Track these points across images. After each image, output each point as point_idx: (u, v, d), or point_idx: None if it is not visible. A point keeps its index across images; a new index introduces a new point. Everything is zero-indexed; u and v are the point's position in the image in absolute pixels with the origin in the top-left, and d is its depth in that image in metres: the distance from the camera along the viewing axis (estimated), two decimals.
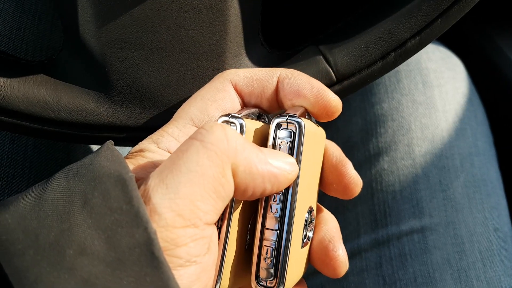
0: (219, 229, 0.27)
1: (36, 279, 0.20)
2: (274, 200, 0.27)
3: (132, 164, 0.27)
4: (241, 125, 0.27)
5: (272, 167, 0.25)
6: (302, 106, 0.30)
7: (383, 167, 0.51)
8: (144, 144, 0.28)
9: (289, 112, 0.28)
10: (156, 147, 0.28)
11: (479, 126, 0.54)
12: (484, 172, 0.50)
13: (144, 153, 0.28)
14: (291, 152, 0.27)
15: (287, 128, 0.27)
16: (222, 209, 0.24)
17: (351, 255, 0.49)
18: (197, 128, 0.29)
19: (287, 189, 0.27)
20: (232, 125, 0.27)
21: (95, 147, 0.49)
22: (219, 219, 0.26)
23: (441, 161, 0.50)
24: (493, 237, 0.47)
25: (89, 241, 0.21)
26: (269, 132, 0.27)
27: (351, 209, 0.52)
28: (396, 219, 0.48)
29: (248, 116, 0.29)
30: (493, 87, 0.63)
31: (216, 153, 0.23)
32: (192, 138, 0.24)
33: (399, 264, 0.46)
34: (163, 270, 0.21)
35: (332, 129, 0.57)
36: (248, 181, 0.24)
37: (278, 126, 0.27)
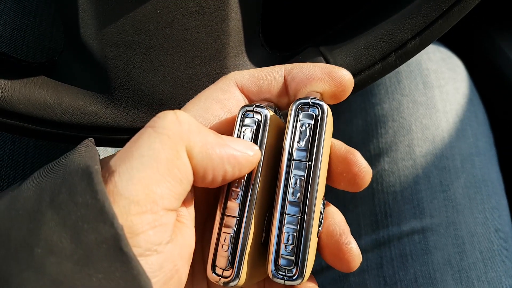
0: (239, 220, 0.26)
1: (7, 279, 0.20)
2: (296, 184, 0.26)
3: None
4: (266, 116, 0.27)
5: (231, 149, 0.25)
6: (317, 92, 0.29)
7: (383, 168, 0.51)
8: None
9: (309, 95, 0.28)
10: None
11: (479, 126, 0.54)
12: (484, 172, 0.50)
13: None
14: (313, 136, 0.27)
15: (308, 111, 0.27)
16: (182, 194, 0.24)
17: None
18: None
19: (308, 175, 0.26)
20: (256, 114, 0.27)
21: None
22: (239, 211, 0.26)
23: (442, 161, 0.50)
24: (494, 237, 0.47)
25: (56, 239, 0.21)
26: (290, 113, 0.27)
27: (352, 209, 0.52)
28: (397, 219, 0.48)
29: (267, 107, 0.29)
30: (494, 88, 0.63)
31: (168, 136, 0.23)
32: (145, 126, 0.24)
33: (400, 264, 0.46)
34: (132, 265, 0.21)
35: (333, 130, 0.57)
36: (205, 163, 0.24)
37: (300, 108, 0.27)
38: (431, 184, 0.49)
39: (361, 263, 0.49)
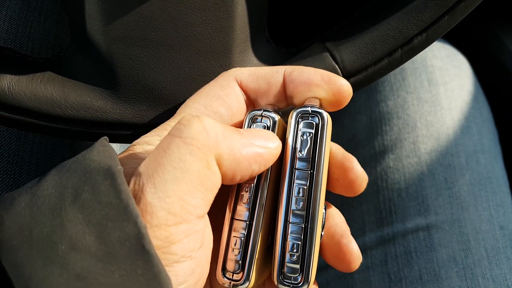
0: (249, 224, 0.26)
1: (30, 275, 0.21)
2: (298, 194, 0.27)
3: (131, 157, 0.27)
4: (274, 120, 0.27)
5: (256, 147, 0.25)
6: (316, 98, 0.29)
7: (388, 165, 0.51)
8: (147, 137, 0.29)
9: (308, 103, 0.28)
10: (158, 140, 0.28)
11: (484, 123, 0.54)
12: (489, 169, 0.50)
13: (145, 146, 0.28)
14: (314, 145, 0.27)
15: (309, 120, 0.27)
16: (212, 200, 0.24)
17: None
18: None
19: (311, 184, 0.27)
20: (265, 120, 0.27)
21: None
22: (249, 215, 0.27)
23: (447, 158, 0.50)
24: (499, 234, 0.47)
25: (80, 236, 0.21)
26: (290, 123, 0.27)
27: (357, 206, 0.52)
28: (402, 216, 0.48)
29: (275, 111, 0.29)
30: (499, 85, 0.63)
31: (198, 147, 0.23)
32: (171, 135, 0.24)
33: (405, 261, 0.46)
34: (153, 263, 0.21)
35: (337, 127, 0.57)
36: (234, 168, 0.25)
37: (300, 117, 0.27)
38: (436, 181, 0.49)
39: (366, 260, 0.49)
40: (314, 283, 0.31)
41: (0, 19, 0.46)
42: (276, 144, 0.26)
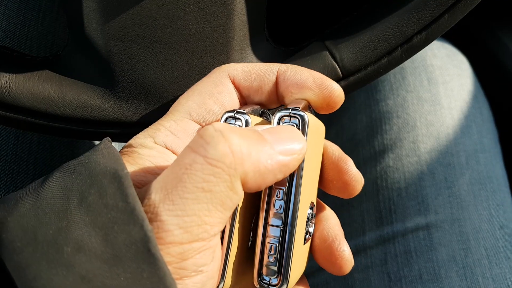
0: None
1: (35, 276, 0.21)
2: (278, 196, 0.27)
3: (129, 163, 0.26)
4: (247, 121, 0.27)
5: (281, 156, 0.24)
6: (304, 99, 0.29)
7: (388, 164, 0.51)
8: (139, 138, 0.28)
9: (291, 105, 0.27)
10: (152, 142, 0.28)
11: (484, 123, 0.54)
12: (489, 169, 0.50)
13: (140, 149, 0.27)
14: None
15: (290, 122, 0.27)
16: (228, 217, 0.24)
17: (356, 252, 0.49)
18: (194, 123, 0.29)
19: (290, 186, 0.26)
20: (237, 121, 0.27)
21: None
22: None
23: (447, 158, 0.49)
24: (499, 234, 0.46)
25: (86, 239, 0.21)
26: (272, 124, 0.27)
27: (356, 206, 0.51)
28: (402, 216, 0.48)
29: (252, 112, 0.29)
30: (498, 84, 0.63)
31: (223, 169, 0.22)
32: (194, 151, 0.23)
33: (404, 261, 0.46)
34: (159, 266, 0.21)
35: (337, 126, 0.57)
36: (259, 183, 0.24)
37: (281, 120, 0.27)
38: (435, 181, 0.48)
39: (366, 260, 0.48)
40: (305, 285, 0.31)
41: None
42: (302, 146, 0.25)
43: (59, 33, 0.47)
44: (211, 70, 0.32)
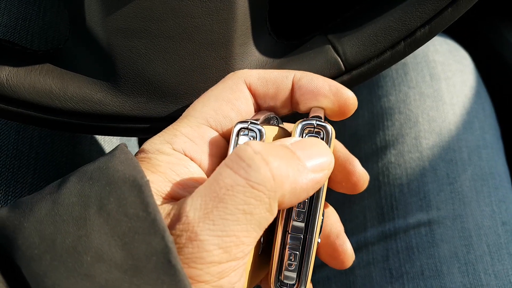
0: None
1: (53, 284, 0.21)
2: (299, 205, 0.27)
3: (149, 171, 0.26)
4: (261, 132, 0.27)
5: (313, 174, 0.25)
6: (321, 107, 0.29)
7: (390, 160, 0.50)
8: (155, 144, 0.28)
9: (313, 115, 0.28)
10: (170, 148, 0.27)
11: (486, 119, 0.54)
12: (491, 165, 0.50)
13: (158, 155, 0.27)
14: None
15: (313, 134, 0.27)
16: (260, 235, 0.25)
17: (357, 248, 0.49)
18: (211, 129, 0.28)
19: (312, 196, 0.27)
20: (251, 132, 0.27)
21: (100, 138, 0.49)
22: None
23: (449, 154, 0.49)
24: (501, 230, 0.46)
25: (106, 248, 0.21)
26: (294, 134, 0.27)
27: (358, 202, 0.51)
28: (403, 212, 0.48)
29: (265, 121, 0.29)
30: (501, 80, 0.63)
31: (264, 192, 0.23)
32: (235, 172, 0.23)
33: (406, 257, 0.46)
34: (179, 278, 0.21)
35: (339, 123, 0.57)
36: (294, 201, 0.24)
37: (303, 131, 0.27)
38: (437, 177, 0.48)
39: (367, 256, 0.48)
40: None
41: None
42: (330, 160, 0.26)
43: (60, 28, 0.47)
44: (213, 63, 0.32)
